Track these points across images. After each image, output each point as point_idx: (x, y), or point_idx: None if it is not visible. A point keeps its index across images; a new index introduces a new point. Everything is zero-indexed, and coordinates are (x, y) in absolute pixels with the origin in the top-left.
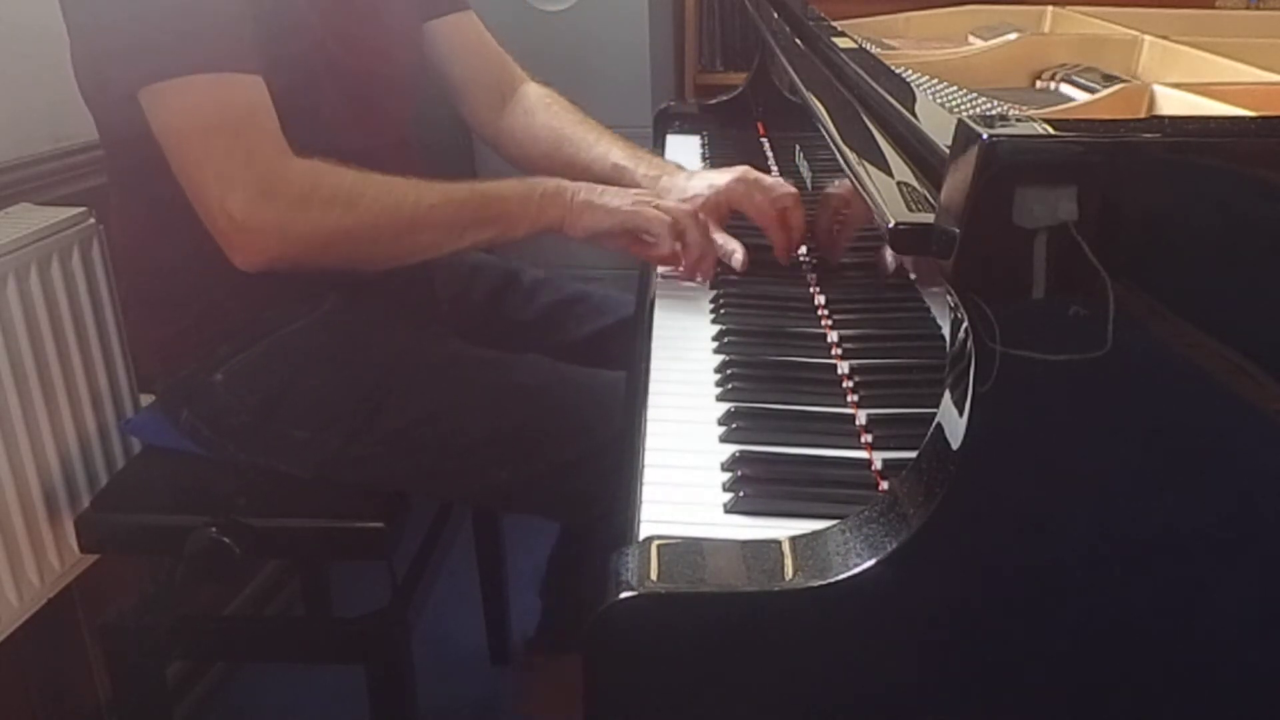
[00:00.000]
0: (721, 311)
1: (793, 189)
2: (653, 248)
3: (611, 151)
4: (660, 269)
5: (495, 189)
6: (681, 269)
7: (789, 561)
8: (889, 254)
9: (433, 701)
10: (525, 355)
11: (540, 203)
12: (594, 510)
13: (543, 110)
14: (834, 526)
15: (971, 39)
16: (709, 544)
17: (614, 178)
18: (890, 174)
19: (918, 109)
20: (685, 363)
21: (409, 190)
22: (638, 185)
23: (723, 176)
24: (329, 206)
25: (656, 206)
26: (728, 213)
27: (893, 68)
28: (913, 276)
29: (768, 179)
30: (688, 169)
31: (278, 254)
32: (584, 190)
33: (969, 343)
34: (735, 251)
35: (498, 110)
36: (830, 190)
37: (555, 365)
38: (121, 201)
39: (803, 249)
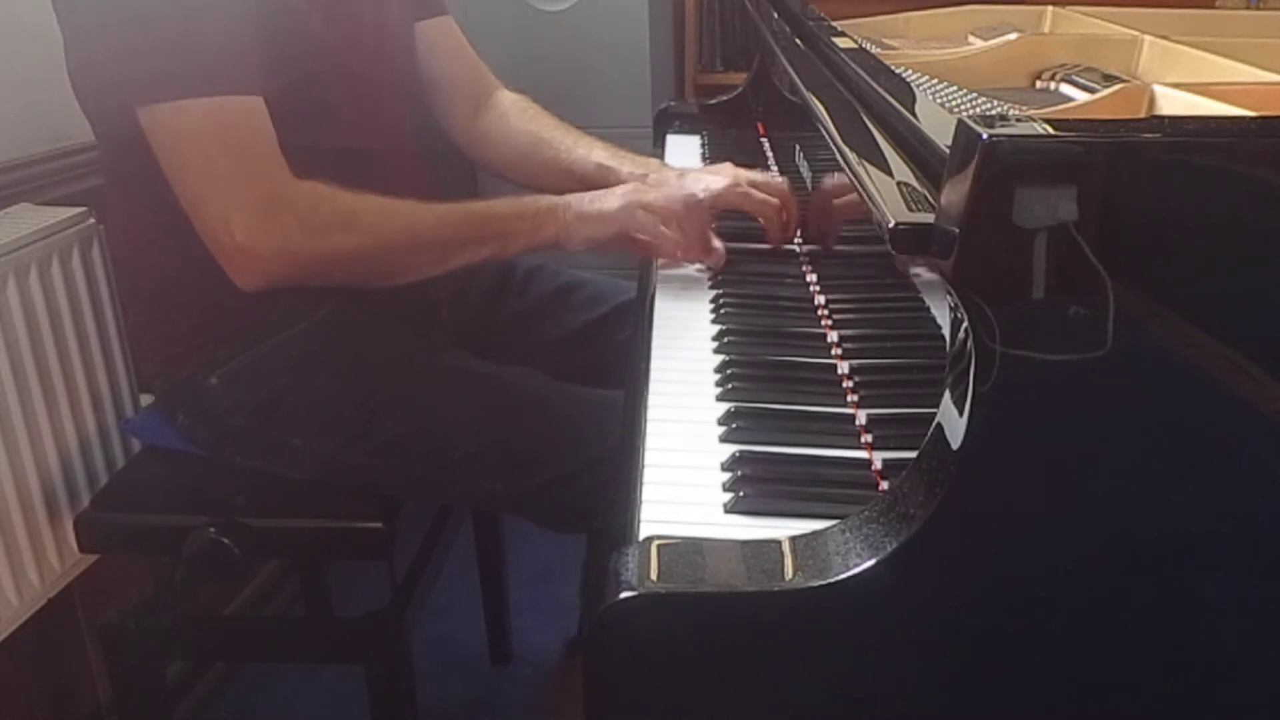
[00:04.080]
0: (721, 311)
1: (782, 184)
2: (649, 245)
3: (593, 152)
4: (660, 261)
5: (490, 209)
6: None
7: (789, 561)
8: None
9: (433, 701)
10: (522, 368)
11: (535, 220)
12: (590, 523)
13: (518, 115)
14: (834, 526)
15: (971, 39)
16: (709, 544)
17: (598, 178)
18: (890, 174)
19: (918, 109)
20: (685, 363)
21: (406, 212)
22: (623, 184)
23: (717, 181)
24: (329, 230)
25: (645, 203)
26: (716, 214)
27: (893, 68)
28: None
29: (758, 178)
30: (673, 166)
31: (279, 276)
32: (574, 203)
33: (969, 343)
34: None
35: (472, 115)
36: (824, 184)
37: (552, 380)
38: (120, 204)
39: (798, 239)
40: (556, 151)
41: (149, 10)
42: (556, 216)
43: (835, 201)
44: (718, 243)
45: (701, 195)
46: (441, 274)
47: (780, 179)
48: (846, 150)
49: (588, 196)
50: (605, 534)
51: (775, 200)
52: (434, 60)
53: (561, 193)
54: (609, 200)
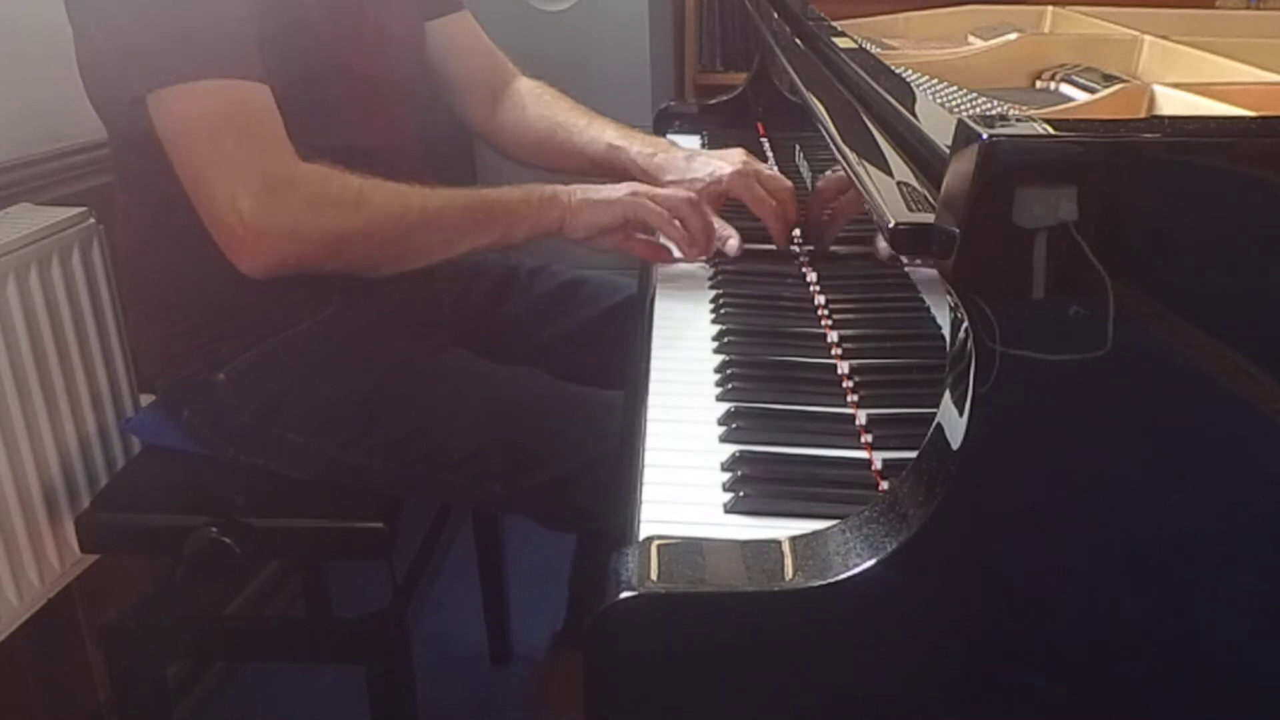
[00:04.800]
0: (721, 311)
1: (788, 182)
2: (646, 245)
3: (605, 133)
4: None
5: (495, 194)
6: (678, 255)
7: (789, 561)
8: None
9: (433, 701)
10: (523, 369)
11: (539, 205)
12: (590, 523)
13: (534, 101)
14: (834, 526)
15: (971, 39)
16: (709, 544)
17: (609, 158)
18: (890, 174)
19: (918, 109)
20: (685, 363)
21: (413, 195)
22: (633, 162)
23: (724, 167)
24: (336, 209)
25: (651, 194)
26: (723, 201)
27: (893, 68)
28: (904, 261)
29: (765, 171)
30: (683, 146)
31: (286, 257)
32: (579, 190)
33: (969, 343)
34: (730, 239)
35: (492, 106)
36: (821, 183)
37: (553, 380)
38: (127, 202)
39: (797, 233)
40: (570, 134)
41: (156, 5)
42: (560, 201)
43: (821, 208)
44: (731, 232)
45: (707, 179)
46: (447, 264)
47: (788, 184)
48: (846, 150)
49: (594, 185)
50: (602, 533)
51: (773, 202)
52: (451, 57)
53: (576, 174)
54: (615, 189)
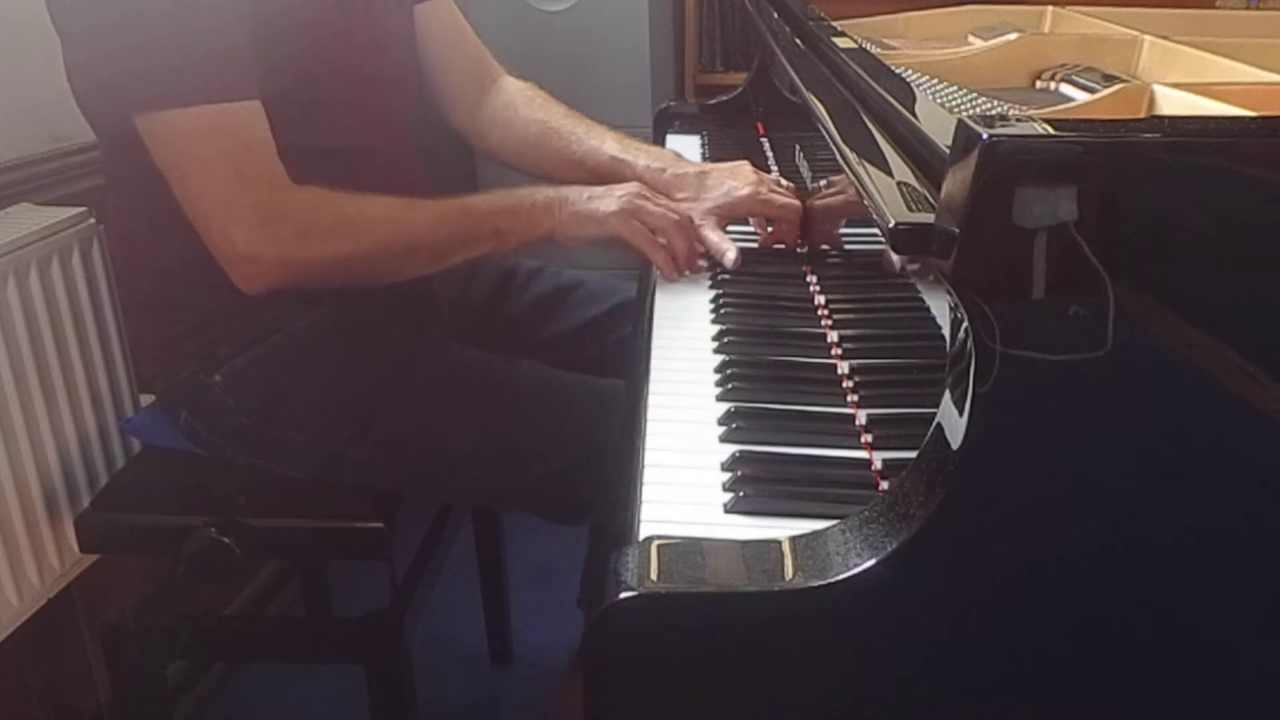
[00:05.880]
0: (721, 311)
1: (798, 205)
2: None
3: (605, 144)
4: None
5: (486, 205)
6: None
7: (789, 561)
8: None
9: (433, 702)
10: (523, 362)
11: (530, 216)
12: (592, 516)
13: (526, 103)
14: (834, 526)
15: (971, 39)
16: (709, 544)
17: (611, 171)
18: (890, 174)
19: (918, 109)
20: (685, 363)
21: (404, 213)
22: (640, 179)
23: (740, 187)
24: (328, 236)
25: (640, 213)
26: (732, 219)
27: (893, 68)
28: (912, 268)
29: (778, 199)
30: (690, 160)
31: (280, 281)
32: (572, 199)
33: (969, 343)
34: (728, 252)
35: (475, 101)
36: (820, 197)
37: (553, 372)
38: (120, 204)
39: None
40: (567, 142)
41: (143, 14)
42: (552, 213)
43: (818, 203)
44: (729, 246)
45: (722, 200)
46: (442, 270)
47: (797, 206)
48: (846, 150)
49: (586, 194)
50: (604, 535)
51: (796, 203)
52: (432, 44)
53: (572, 183)
54: (606, 203)
